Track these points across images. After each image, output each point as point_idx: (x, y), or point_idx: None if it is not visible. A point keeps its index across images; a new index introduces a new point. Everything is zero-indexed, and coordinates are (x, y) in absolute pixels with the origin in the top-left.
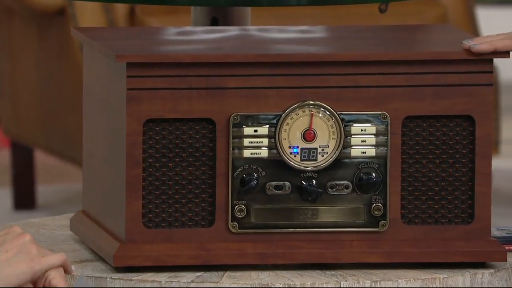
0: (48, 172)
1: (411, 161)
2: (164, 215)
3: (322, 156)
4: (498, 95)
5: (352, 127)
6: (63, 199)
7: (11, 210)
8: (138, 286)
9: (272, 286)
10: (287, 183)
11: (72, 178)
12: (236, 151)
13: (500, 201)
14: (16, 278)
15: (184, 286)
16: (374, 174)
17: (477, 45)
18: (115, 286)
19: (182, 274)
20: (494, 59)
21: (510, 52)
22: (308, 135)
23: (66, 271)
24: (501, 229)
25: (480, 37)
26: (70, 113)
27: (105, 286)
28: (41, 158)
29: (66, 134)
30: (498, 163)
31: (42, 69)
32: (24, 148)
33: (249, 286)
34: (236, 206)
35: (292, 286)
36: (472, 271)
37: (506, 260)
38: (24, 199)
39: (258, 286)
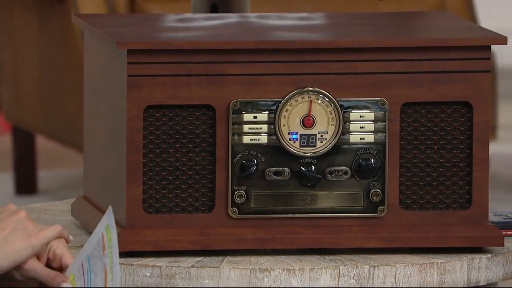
0: (49, 157)
1: (409, 147)
2: (164, 200)
3: (321, 142)
4: (496, 81)
5: (351, 113)
6: (64, 184)
7: (13, 195)
8: (139, 271)
9: (272, 271)
10: (286, 169)
11: (73, 163)
12: (236, 137)
13: (497, 186)
14: (16, 255)
15: (184, 271)
16: (372, 160)
17: None
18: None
19: (182, 259)
20: (492, 45)
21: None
22: (307, 121)
23: (65, 240)
24: (498, 214)
25: None
26: (71, 98)
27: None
28: (42, 143)
29: (67, 119)
30: (495, 149)
31: (43, 55)
32: (25, 133)
33: (249, 271)
34: (236, 192)
35: (291, 271)
36: (470, 256)
37: (503, 245)
38: (25, 184)
39: (258, 271)
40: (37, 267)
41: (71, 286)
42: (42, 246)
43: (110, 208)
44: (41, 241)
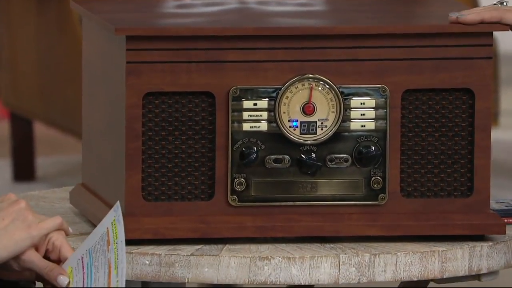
0: (47, 143)
1: (410, 134)
2: (163, 188)
3: (322, 129)
4: (498, 67)
5: (351, 101)
6: (63, 171)
7: (11, 182)
8: (138, 259)
9: (272, 259)
10: (286, 157)
11: (71, 149)
12: (236, 124)
13: (499, 173)
14: (15, 246)
15: (184, 259)
16: (373, 148)
17: (464, 15)
18: None
19: (181, 247)
20: (494, 32)
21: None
22: (308, 108)
23: (64, 232)
24: (500, 202)
25: (468, 10)
26: (69, 85)
27: None
28: (40, 130)
29: (65, 106)
30: (497, 135)
31: (42, 41)
32: (23, 120)
33: (249, 259)
34: (236, 180)
35: (291, 259)
36: (471, 244)
37: (505, 233)
38: (24, 170)
39: (258, 259)
40: (34, 258)
41: (68, 280)
42: (41, 237)
43: (118, 203)
44: (41, 232)
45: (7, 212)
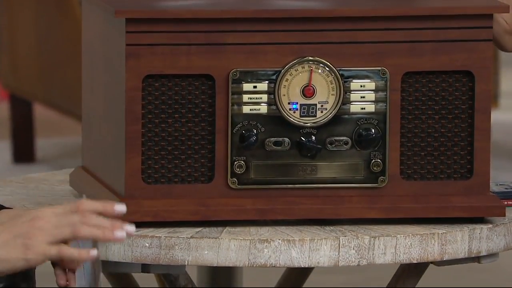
0: (47, 125)
1: (410, 117)
2: (163, 171)
3: (322, 112)
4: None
5: (351, 83)
6: (62, 153)
7: (11, 163)
8: (138, 242)
9: (271, 242)
10: (286, 139)
11: (71, 131)
12: (236, 107)
13: (499, 154)
14: (7, 264)
15: (184, 242)
16: (373, 130)
17: None
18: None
19: (181, 229)
20: (494, 14)
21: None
22: (308, 91)
23: (69, 264)
24: (500, 184)
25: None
26: (69, 66)
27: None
28: (40, 112)
29: (65, 88)
30: (497, 116)
31: (41, 23)
32: (23, 102)
33: (248, 242)
34: (236, 162)
35: (291, 242)
36: (471, 226)
37: (504, 215)
38: (23, 152)
39: (258, 242)
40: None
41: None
42: (37, 262)
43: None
44: (37, 258)
45: (16, 227)
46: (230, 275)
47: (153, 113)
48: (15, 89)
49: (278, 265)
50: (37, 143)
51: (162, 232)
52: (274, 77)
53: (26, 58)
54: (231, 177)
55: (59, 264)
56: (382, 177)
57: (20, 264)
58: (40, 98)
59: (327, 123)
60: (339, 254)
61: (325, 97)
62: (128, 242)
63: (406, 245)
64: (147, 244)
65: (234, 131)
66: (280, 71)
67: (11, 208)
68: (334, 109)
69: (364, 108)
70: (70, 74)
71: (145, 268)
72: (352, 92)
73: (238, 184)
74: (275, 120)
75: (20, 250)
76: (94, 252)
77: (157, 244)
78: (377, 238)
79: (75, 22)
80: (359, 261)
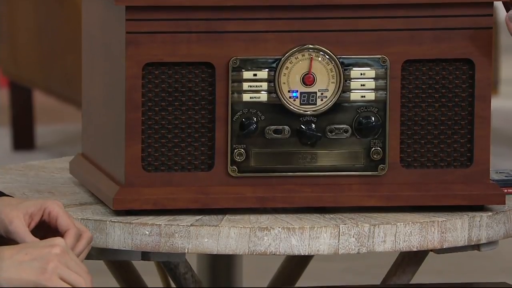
0: (47, 112)
1: (410, 105)
2: (163, 158)
3: (322, 100)
4: (498, 35)
5: (351, 71)
6: (62, 140)
7: (10, 151)
8: (138, 229)
9: (271, 230)
10: (286, 127)
11: (71, 118)
12: (236, 95)
13: (498, 141)
14: (18, 283)
15: (184, 230)
16: (373, 118)
17: None
18: (115, 229)
19: (181, 217)
20: (494, 1)
21: None
22: (308, 79)
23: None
24: (500, 172)
25: None
26: (69, 54)
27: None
28: (40, 99)
29: (65, 75)
30: (497, 103)
31: (41, 10)
32: (22, 89)
33: (248, 230)
34: (236, 150)
35: (291, 229)
36: (471, 214)
37: (504, 203)
38: (23, 139)
39: (257, 230)
40: (20, 231)
41: None
42: None
43: None
44: (47, 285)
45: (35, 250)
46: (230, 263)
47: (153, 101)
48: (15, 76)
49: (278, 253)
50: (37, 130)
51: (162, 220)
52: (274, 65)
53: (26, 45)
54: (231, 165)
55: None
56: (382, 165)
57: (29, 286)
58: (40, 85)
59: (327, 111)
60: (339, 242)
61: (325, 85)
62: (128, 230)
63: (406, 233)
64: (147, 232)
65: (234, 119)
66: (280, 59)
67: (11, 196)
68: (334, 97)
69: (364, 96)
70: (70, 61)
71: (145, 256)
72: (352, 80)
73: (238, 172)
74: (275, 108)
75: (34, 272)
76: None
77: (157, 232)
78: (377, 226)
79: (75, 10)
80: (359, 249)
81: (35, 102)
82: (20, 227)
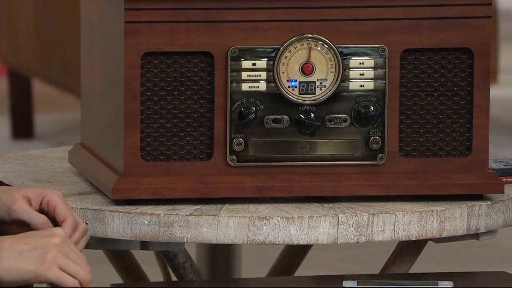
0: (46, 101)
1: (409, 94)
2: (162, 148)
3: (321, 89)
4: (497, 24)
5: (350, 60)
6: (61, 129)
7: (9, 140)
8: (137, 219)
9: (270, 219)
10: (285, 117)
11: (70, 107)
12: (234, 84)
13: (497, 130)
14: (18, 273)
15: (183, 219)
16: (372, 108)
17: None
18: (114, 219)
19: (180, 207)
20: None
21: None
22: (307, 68)
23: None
24: (498, 161)
25: None
26: (68, 42)
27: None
28: (39, 88)
29: (64, 64)
30: (496, 92)
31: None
32: (21, 77)
33: (247, 219)
34: (235, 140)
35: (290, 219)
36: (470, 203)
37: (503, 192)
38: (22, 128)
39: (256, 219)
40: (27, 208)
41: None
42: (46, 280)
43: None
44: (47, 275)
45: (34, 240)
46: (229, 252)
47: (152, 91)
48: (14, 65)
49: (277, 243)
50: (36, 119)
51: (161, 210)
52: (273, 54)
53: (25, 34)
54: (230, 155)
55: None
56: (381, 154)
57: (30, 276)
58: (39, 74)
59: (326, 100)
60: (338, 231)
61: (324, 75)
62: (127, 220)
63: (405, 222)
64: (146, 222)
65: (233, 109)
66: (279, 48)
67: (11, 186)
68: (333, 87)
69: (363, 86)
70: (69, 50)
71: (144, 245)
72: (351, 69)
73: (237, 162)
74: (274, 98)
75: (33, 262)
76: None
77: (156, 221)
78: (376, 215)
79: None
80: (358, 238)
81: (34, 91)
82: (24, 205)
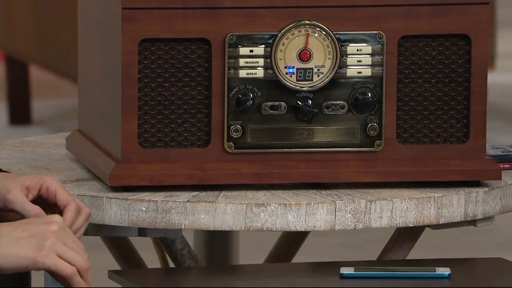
0: (43, 87)
1: (407, 80)
2: (160, 135)
3: (318, 76)
4: (495, 9)
5: (348, 47)
6: (59, 114)
7: (7, 125)
8: (134, 206)
9: (268, 206)
10: (282, 103)
11: (67, 93)
12: (232, 71)
13: (495, 116)
14: (16, 260)
15: (180, 206)
16: (369, 94)
17: None
18: (111, 206)
19: (178, 193)
20: None
21: None
22: (304, 55)
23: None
24: (496, 148)
25: None
26: (65, 28)
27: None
28: (36, 73)
29: (61, 49)
30: (493, 78)
31: None
32: (19, 63)
33: (245, 206)
34: (232, 126)
35: (287, 206)
36: (467, 189)
37: (500, 179)
38: (19, 114)
39: (254, 206)
40: (20, 199)
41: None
42: (44, 267)
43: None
44: (45, 262)
45: (32, 227)
46: (227, 238)
47: (149, 77)
48: (11, 51)
49: (274, 229)
50: (33, 105)
51: (158, 196)
52: (270, 41)
53: (22, 19)
54: (227, 141)
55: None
56: (378, 141)
57: (27, 263)
58: (36, 60)
59: (324, 87)
60: (335, 218)
61: (321, 61)
62: (124, 206)
63: (402, 209)
64: (143, 208)
65: (230, 95)
66: (277, 35)
67: (8, 172)
68: (330, 73)
69: (361, 72)
70: (66, 35)
71: (142, 232)
72: (348, 56)
73: (234, 148)
74: (272, 84)
75: (31, 249)
76: None
77: (154, 208)
78: (373, 202)
79: None
80: (355, 225)
81: (31, 77)
82: (19, 195)
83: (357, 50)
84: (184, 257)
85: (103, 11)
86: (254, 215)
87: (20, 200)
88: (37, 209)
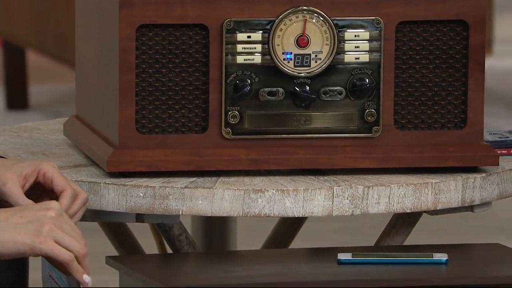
0: (40, 72)
1: (404, 66)
2: (157, 121)
3: (316, 62)
4: None
5: (345, 33)
6: (56, 99)
7: (4, 110)
8: (132, 191)
9: (265, 192)
10: (280, 89)
11: (65, 78)
12: (230, 57)
13: (492, 101)
14: (13, 245)
15: (178, 192)
16: (367, 80)
17: None
18: (109, 191)
19: (175, 179)
20: None
21: None
22: (302, 41)
23: (79, 264)
24: (493, 133)
25: None
26: (62, 13)
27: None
28: (33, 58)
29: (58, 34)
30: (491, 63)
31: None
32: (16, 48)
33: (243, 192)
34: (230, 112)
35: (285, 192)
36: (464, 175)
37: (498, 164)
38: (17, 99)
39: (252, 192)
40: (14, 193)
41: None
42: (42, 253)
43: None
44: (43, 248)
45: (30, 213)
46: (224, 224)
47: (146, 63)
48: (8, 36)
49: (272, 215)
50: (31, 90)
51: (156, 182)
52: (268, 27)
53: (19, 4)
54: (225, 127)
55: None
56: (376, 127)
57: (25, 248)
58: (33, 45)
59: (321, 73)
60: (333, 203)
61: (319, 47)
62: (122, 192)
63: (399, 195)
64: (141, 194)
65: (228, 81)
66: (274, 21)
67: (5, 158)
68: (328, 59)
69: (358, 58)
70: (64, 20)
71: (140, 217)
72: (346, 42)
73: (232, 134)
74: (269, 70)
75: (29, 235)
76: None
77: (151, 194)
78: (371, 188)
79: None
80: (352, 211)
81: (29, 62)
82: (14, 188)
83: (355, 36)
84: (182, 243)
85: None
86: (251, 201)
87: (14, 193)
88: (28, 203)
